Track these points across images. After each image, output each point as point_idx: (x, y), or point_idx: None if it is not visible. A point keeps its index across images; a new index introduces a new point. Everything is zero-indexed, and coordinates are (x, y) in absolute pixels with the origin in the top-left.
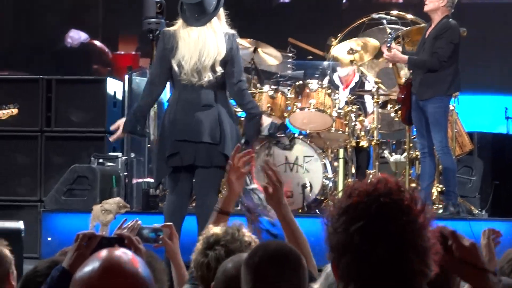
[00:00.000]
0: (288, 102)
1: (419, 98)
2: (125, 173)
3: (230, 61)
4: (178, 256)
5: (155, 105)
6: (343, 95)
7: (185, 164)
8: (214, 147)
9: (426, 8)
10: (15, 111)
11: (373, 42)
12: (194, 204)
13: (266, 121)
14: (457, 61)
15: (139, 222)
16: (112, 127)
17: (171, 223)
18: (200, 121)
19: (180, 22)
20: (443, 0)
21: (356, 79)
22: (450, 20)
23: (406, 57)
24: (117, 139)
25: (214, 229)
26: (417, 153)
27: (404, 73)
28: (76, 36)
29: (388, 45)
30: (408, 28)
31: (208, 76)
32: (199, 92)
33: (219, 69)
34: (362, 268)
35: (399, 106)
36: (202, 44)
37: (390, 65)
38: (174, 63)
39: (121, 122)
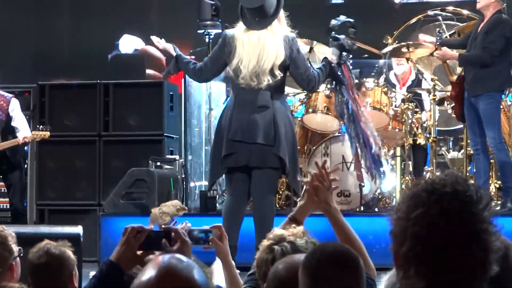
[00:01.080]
0: None
1: (470, 94)
2: (183, 176)
3: (293, 64)
4: (229, 257)
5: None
6: (400, 93)
7: (240, 165)
8: (268, 149)
9: (478, 5)
10: (47, 134)
11: (428, 39)
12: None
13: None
14: (510, 56)
15: (189, 224)
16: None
17: (220, 224)
18: (255, 122)
19: (240, 25)
20: None
21: (412, 76)
22: (502, 14)
23: (456, 53)
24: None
25: (280, 230)
26: None
27: (458, 71)
28: (129, 42)
29: (438, 43)
30: (464, 24)
31: (267, 80)
32: (255, 94)
33: (278, 73)
34: (421, 255)
35: (454, 101)
36: (262, 47)
37: (448, 61)
38: (231, 67)
39: (169, 47)
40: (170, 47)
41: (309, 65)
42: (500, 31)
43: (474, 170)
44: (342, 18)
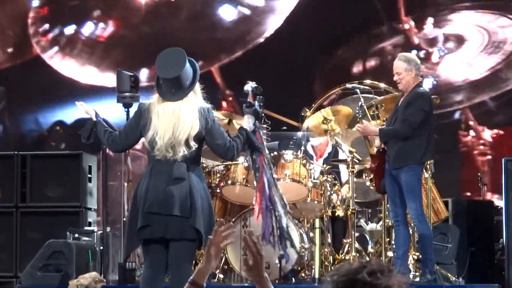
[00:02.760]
0: None
1: (392, 167)
2: (101, 248)
3: (209, 135)
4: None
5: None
6: (319, 165)
7: (156, 236)
8: (184, 220)
9: (400, 86)
10: None
11: (346, 110)
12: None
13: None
14: (430, 129)
15: None
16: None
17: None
18: (171, 194)
19: (156, 96)
20: (411, 72)
21: (329, 149)
22: (421, 88)
23: (377, 129)
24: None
25: None
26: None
27: (377, 144)
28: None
29: (359, 117)
30: (382, 97)
31: (183, 151)
32: (171, 165)
33: (193, 144)
34: None
35: (373, 174)
36: (177, 118)
37: None
38: (147, 139)
39: (90, 110)
40: (92, 112)
41: (226, 135)
42: (420, 105)
43: (393, 242)
44: (252, 84)
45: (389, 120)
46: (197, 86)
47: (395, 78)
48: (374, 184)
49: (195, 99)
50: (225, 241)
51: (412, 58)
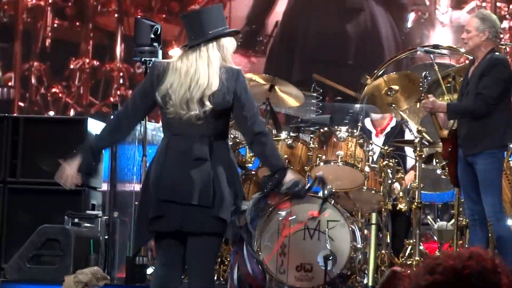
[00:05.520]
0: (310, 154)
1: (466, 153)
2: (106, 237)
3: (237, 104)
4: None
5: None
6: (377, 143)
7: (171, 229)
8: (206, 211)
9: (466, 48)
10: None
11: (417, 79)
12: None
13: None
14: (510, 104)
15: None
16: (59, 179)
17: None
18: (190, 179)
19: (177, 55)
20: (483, 33)
21: (392, 123)
22: (497, 53)
23: (445, 104)
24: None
25: None
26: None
27: (451, 123)
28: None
29: (424, 90)
30: (461, 65)
31: (195, 110)
32: (191, 142)
33: (208, 104)
34: None
35: (447, 161)
36: (193, 72)
37: None
38: (160, 93)
39: (69, 172)
40: (78, 180)
41: (257, 108)
42: (496, 75)
43: (467, 245)
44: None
45: (458, 94)
46: (228, 44)
47: (463, 35)
48: (447, 172)
49: (218, 55)
50: None
51: (489, 17)
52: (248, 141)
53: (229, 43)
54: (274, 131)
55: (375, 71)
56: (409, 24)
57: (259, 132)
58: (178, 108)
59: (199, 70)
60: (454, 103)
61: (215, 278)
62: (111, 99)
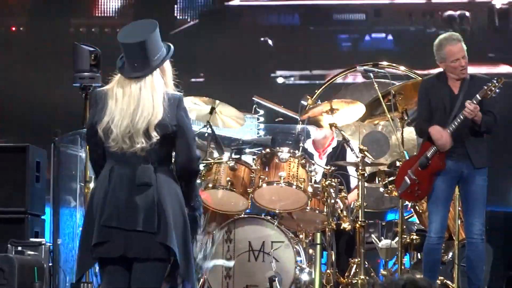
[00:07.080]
0: (252, 175)
1: (475, 165)
2: (50, 264)
3: (179, 132)
4: None
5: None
6: (321, 166)
7: (115, 255)
8: (151, 236)
9: (464, 75)
10: None
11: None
12: None
13: None
14: None
15: None
16: None
17: None
18: (134, 204)
19: (116, 79)
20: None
21: (334, 143)
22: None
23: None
24: None
25: None
26: (412, 237)
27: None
28: None
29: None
30: (401, 82)
31: (141, 142)
32: (134, 167)
33: (154, 135)
34: None
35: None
36: (137, 102)
37: (379, 129)
38: (101, 127)
39: None
40: None
41: (195, 141)
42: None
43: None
44: None
45: (440, 113)
46: (168, 68)
47: (462, 63)
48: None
49: (162, 82)
50: None
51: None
52: (179, 173)
53: (169, 65)
54: (216, 154)
55: (316, 91)
56: None
57: (195, 172)
58: (120, 142)
59: (143, 100)
60: (485, 117)
61: None
62: None
